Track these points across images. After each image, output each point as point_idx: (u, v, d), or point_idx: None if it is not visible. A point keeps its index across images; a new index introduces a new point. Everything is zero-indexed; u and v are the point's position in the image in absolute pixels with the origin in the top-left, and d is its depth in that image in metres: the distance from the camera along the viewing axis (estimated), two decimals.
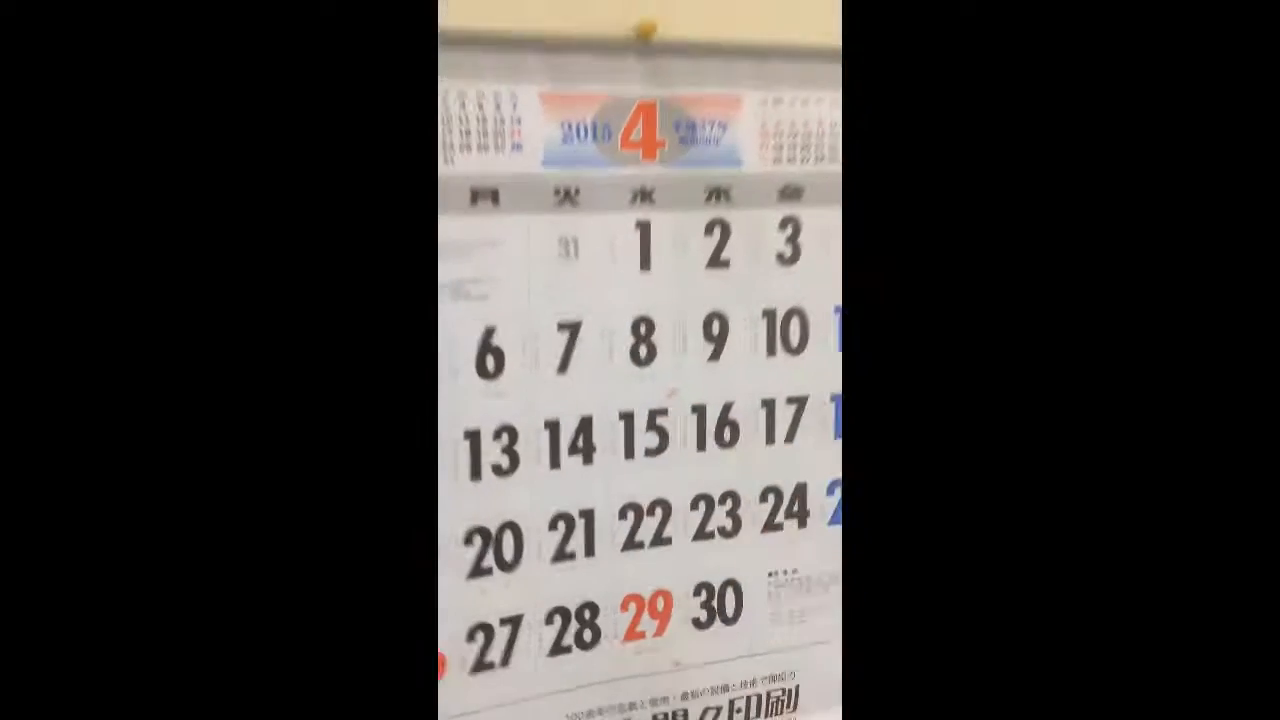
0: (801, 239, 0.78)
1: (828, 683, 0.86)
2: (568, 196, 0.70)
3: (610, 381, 0.74)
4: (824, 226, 0.78)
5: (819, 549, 0.83)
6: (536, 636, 0.75)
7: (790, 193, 0.77)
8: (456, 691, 0.72)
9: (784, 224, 0.77)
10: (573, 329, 0.72)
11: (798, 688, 0.85)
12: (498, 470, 0.71)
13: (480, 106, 0.66)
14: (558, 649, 0.76)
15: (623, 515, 0.76)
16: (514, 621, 0.74)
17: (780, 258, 0.77)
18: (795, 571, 0.83)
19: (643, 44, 0.70)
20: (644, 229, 0.73)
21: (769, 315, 0.78)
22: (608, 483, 0.75)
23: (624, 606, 0.77)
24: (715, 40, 0.72)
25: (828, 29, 0.74)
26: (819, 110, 0.76)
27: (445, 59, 0.63)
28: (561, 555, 0.74)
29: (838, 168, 0.78)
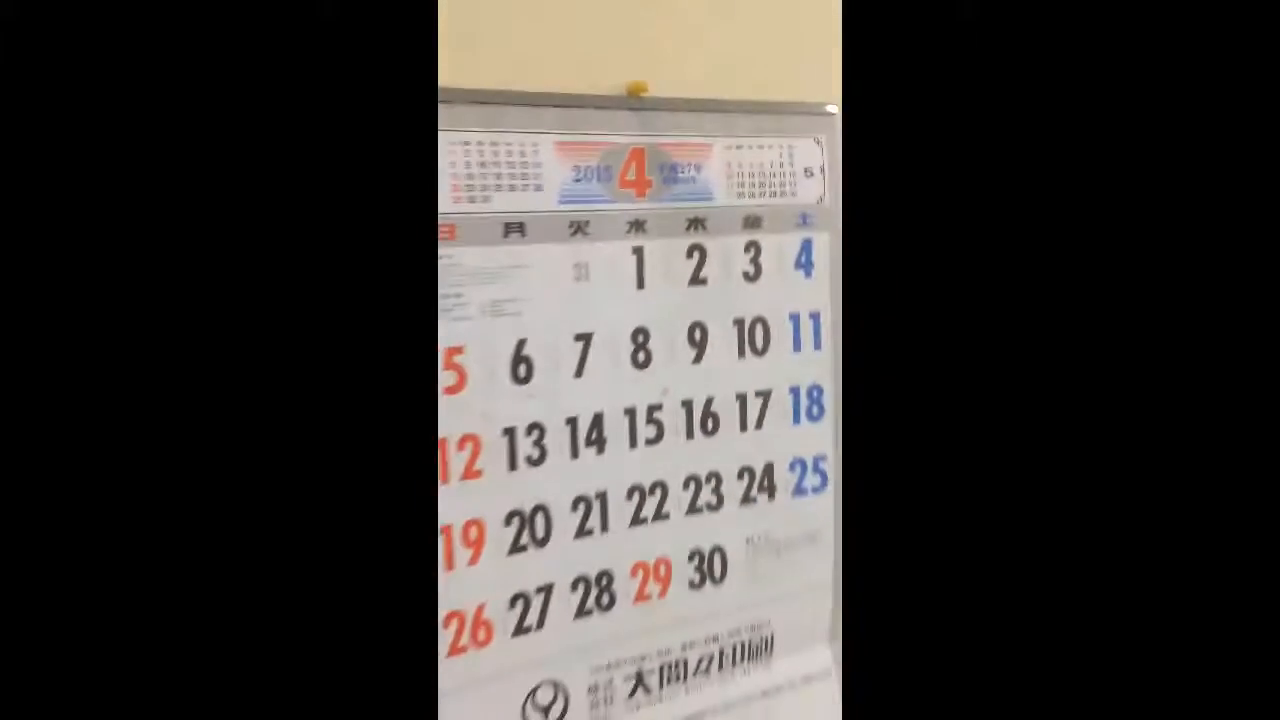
0: (762, 259, 0.89)
1: (797, 630, 0.96)
2: (579, 228, 0.79)
3: (616, 383, 0.82)
4: (779, 249, 0.90)
5: (785, 517, 0.94)
6: (564, 602, 0.82)
7: (752, 222, 0.88)
8: (502, 653, 0.79)
9: (748, 247, 0.88)
10: (586, 339, 0.80)
11: (773, 635, 0.95)
12: (530, 461, 0.79)
13: (509, 154, 0.75)
14: (582, 612, 0.83)
15: (629, 496, 0.85)
16: (546, 590, 0.81)
17: (746, 275, 0.89)
18: (768, 536, 0.93)
19: (635, 101, 0.80)
20: (639, 254, 0.82)
21: (739, 323, 0.89)
22: (617, 469, 0.83)
23: (633, 573, 0.85)
24: (691, 98, 0.83)
25: (779, 89, 0.87)
26: (772, 154, 0.88)
27: (481, 114, 0.72)
28: (582, 532, 0.82)
29: (788, 200, 0.90)
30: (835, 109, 0.91)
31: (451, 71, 0.71)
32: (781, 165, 0.89)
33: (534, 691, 0.81)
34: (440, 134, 0.71)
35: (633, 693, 0.87)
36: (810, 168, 0.91)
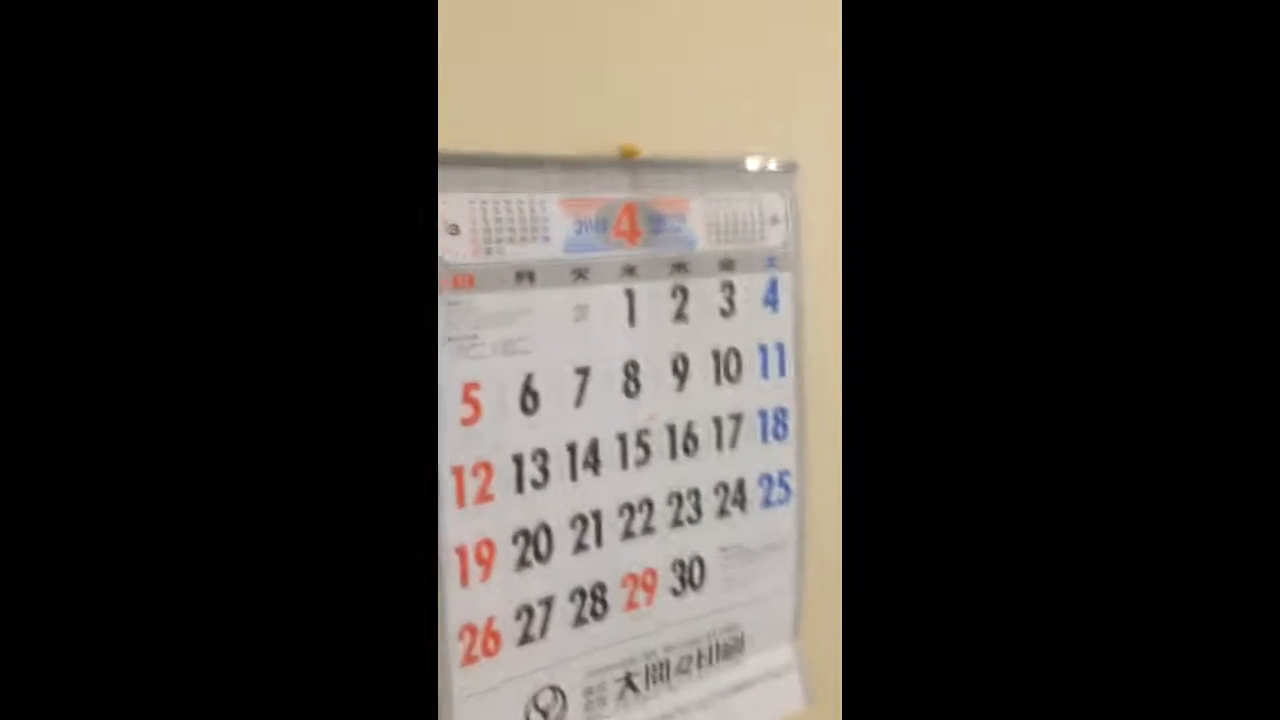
0: (735, 298, 0.98)
1: (764, 630, 1.04)
2: (580, 274, 0.86)
3: (610, 410, 0.89)
4: (750, 288, 0.99)
5: (755, 527, 1.02)
6: (564, 612, 0.88)
7: (726, 264, 0.97)
8: (509, 662, 0.84)
9: (723, 287, 0.97)
10: (585, 372, 0.87)
11: (744, 635, 1.04)
12: (535, 484, 0.85)
13: (521, 210, 0.81)
14: (579, 621, 0.89)
15: (621, 513, 0.92)
16: (548, 602, 0.87)
17: (721, 311, 0.97)
18: (739, 546, 1.01)
19: (627, 161, 0.88)
20: (630, 295, 0.90)
21: (715, 354, 0.97)
22: (611, 489, 0.90)
23: (624, 583, 0.92)
24: (674, 158, 0.91)
25: (749, 148, 0.96)
26: (744, 207, 0.97)
27: (496, 175, 0.79)
28: (580, 547, 0.89)
29: (757, 245, 0.99)
30: (797, 166, 1.01)
31: (470, 138, 0.77)
32: (751, 215, 0.98)
33: (536, 696, 0.87)
34: (461, 194, 0.77)
35: (622, 693, 0.94)
36: (776, 216, 1.00)
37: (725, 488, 0.99)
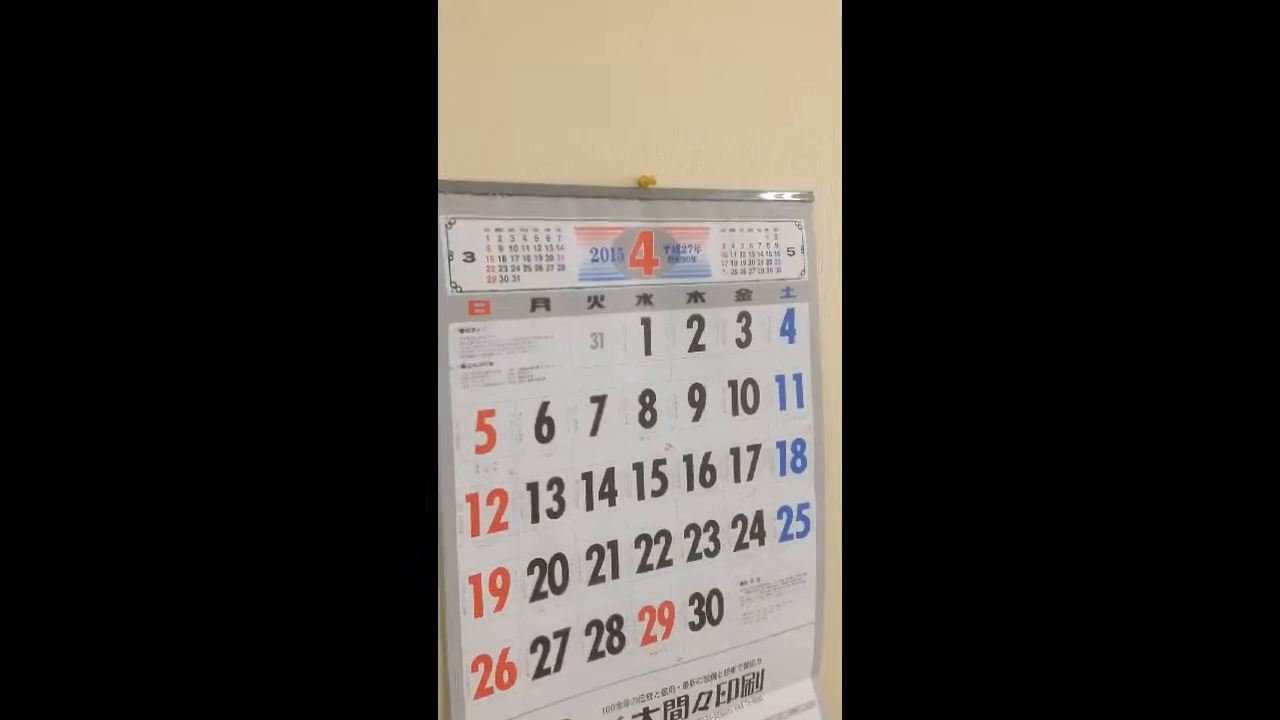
0: (752, 328, 0.97)
1: (784, 666, 1.01)
2: (596, 302, 0.85)
3: (626, 440, 0.88)
4: (767, 318, 0.97)
5: (774, 560, 0.99)
6: (580, 645, 0.86)
7: (743, 294, 0.96)
8: (523, 695, 0.82)
9: (740, 318, 0.96)
10: (600, 401, 0.86)
11: (764, 671, 1.00)
12: (550, 514, 0.83)
13: (536, 238, 0.81)
14: (595, 654, 0.87)
15: (637, 544, 0.90)
16: (564, 634, 0.85)
17: (738, 342, 0.96)
18: (759, 579, 0.99)
19: (643, 191, 0.87)
20: (646, 324, 0.89)
21: (732, 385, 0.95)
22: (626, 519, 0.88)
23: (641, 616, 0.90)
24: (691, 188, 0.91)
25: (766, 180, 0.96)
26: (761, 236, 0.96)
27: (512, 204, 0.79)
28: (595, 579, 0.87)
29: (773, 276, 0.98)
30: (813, 196, 1.00)
31: (487, 167, 0.78)
32: (768, 245, 0.97)
33: None
34: (477, 221, 0.77)
35: None
36: (792, 247, 0.99)
37: (744, 520, 0.97)
